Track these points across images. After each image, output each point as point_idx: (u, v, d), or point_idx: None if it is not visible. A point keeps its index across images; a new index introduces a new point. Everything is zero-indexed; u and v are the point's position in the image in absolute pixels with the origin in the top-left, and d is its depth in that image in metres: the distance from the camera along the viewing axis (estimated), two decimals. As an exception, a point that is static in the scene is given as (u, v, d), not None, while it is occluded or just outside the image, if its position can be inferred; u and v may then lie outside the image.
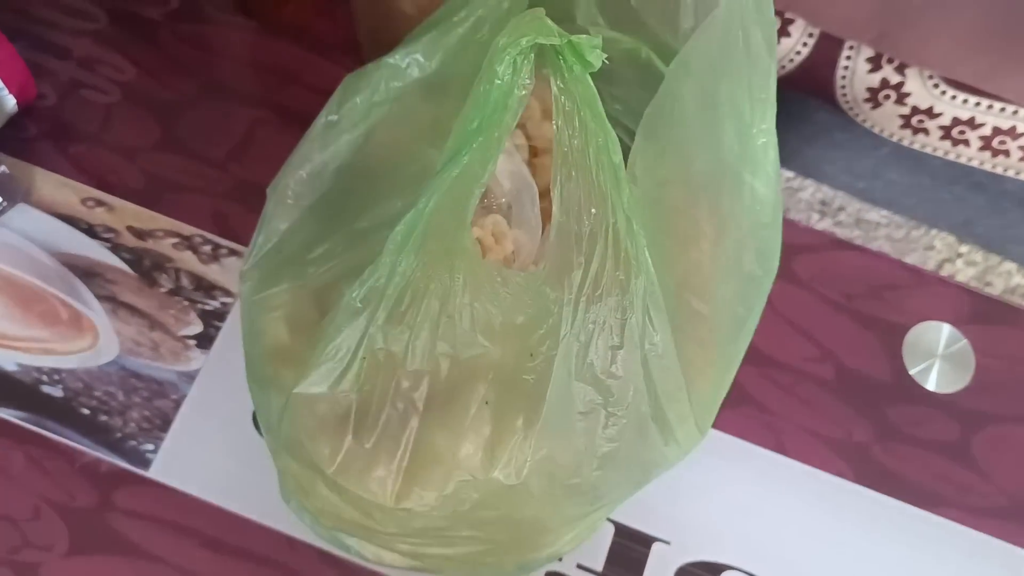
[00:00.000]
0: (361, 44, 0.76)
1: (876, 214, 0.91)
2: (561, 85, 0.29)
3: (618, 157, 0.30)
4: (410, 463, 0.35)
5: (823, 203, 0.91)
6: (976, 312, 0.54)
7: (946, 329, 0.54)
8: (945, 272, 0.88)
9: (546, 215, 0.40)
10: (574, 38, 0.28)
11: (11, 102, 0.53)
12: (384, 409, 0.35)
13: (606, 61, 0.29)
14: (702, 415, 0.37)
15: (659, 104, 0.35)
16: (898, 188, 0.81)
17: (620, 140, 0.45)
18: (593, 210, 0.30)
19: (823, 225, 0.90)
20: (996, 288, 0.89)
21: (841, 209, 0.91)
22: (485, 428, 0.33)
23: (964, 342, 0.53)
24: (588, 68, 0.29)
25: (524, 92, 0.29)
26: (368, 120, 0.39)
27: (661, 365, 0.32)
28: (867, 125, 0.74)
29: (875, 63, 0.70)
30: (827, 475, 0.51)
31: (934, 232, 0.91)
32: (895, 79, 0.70)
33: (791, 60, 0.72)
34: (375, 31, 0.73)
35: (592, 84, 0.29)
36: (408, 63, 0.39)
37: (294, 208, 0.40)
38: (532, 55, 0.29)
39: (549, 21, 0.28)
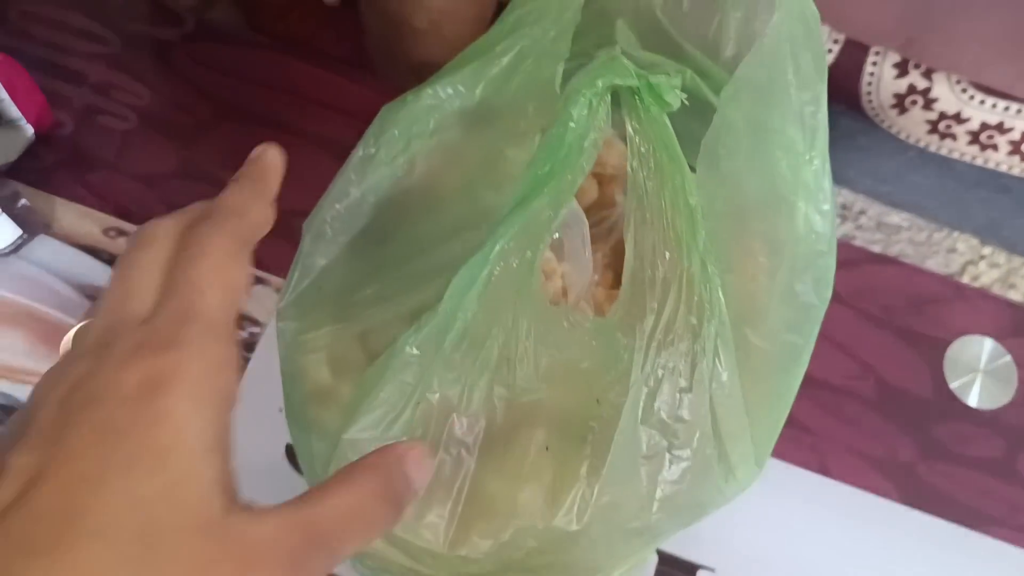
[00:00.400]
0: (373, 59, 0.74)
1: (897, 217, 0.91)
2: (636, 126, 0.28)
3: (695, 199, 0.29)
4: (465, 509, 0.34)
5: (844, 207, 0.90)
6: (1019, 326, 0.53)
7: (988, 344, 0.53)
8: (968, 274, 0.87)
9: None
10: (652, 79, 0.27)
11: (29, 131, 0.52)
12: (436, 454, 0.34)
13: (685, 102, 0.28)
14: (761, 449, 0.36)
15: (714, 135, 0.34)
16: (922, 191, 0.80)
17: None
18: (667, 254, 0.28)
19: (844, 229, 0.89)
20: (1020, 290, 0.88)
21: (862, 213, 0.90)
22: (546, 475, 0.32)
23: (1008, 357, 0.52)
24: (666, 108, 0.28)
25: (599, 135, 0.28)
26: (408, 152, 0.38)
27: (727, 405, 0.31)
28: (893, 131, 0.73)
29: (902, 69, 0.69)
30: (872, 496, 0.50)
31: (956, 235, 0.90)
32: (922, 84, 0.69)
33: (815, 66, 0.70)
34: (387, 46, 0.72)
35: (669, 124, 0.28)
36: (449, 94, 0.38)
37: (332, 244, 0.39)
38: (608, 97, 0.28)
39: (626, 61, 0.27)
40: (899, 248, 0.89)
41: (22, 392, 0.50)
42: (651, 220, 0.29)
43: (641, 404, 0.29)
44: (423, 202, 0.37)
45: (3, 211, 0.49)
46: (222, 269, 0.25)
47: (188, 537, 0.21)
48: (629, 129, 0.29)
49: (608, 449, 0.30)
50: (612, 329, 0.30)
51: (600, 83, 0.27)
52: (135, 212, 0.54)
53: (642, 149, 0.29)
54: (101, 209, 0.54)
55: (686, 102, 0.28)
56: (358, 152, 0.39)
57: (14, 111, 0.50)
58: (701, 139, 0.43)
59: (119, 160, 0.55)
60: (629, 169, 0.29)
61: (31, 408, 0.23)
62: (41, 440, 0.22)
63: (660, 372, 0.29)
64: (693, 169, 0.39)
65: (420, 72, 0.72)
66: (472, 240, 0.30)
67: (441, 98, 0.38)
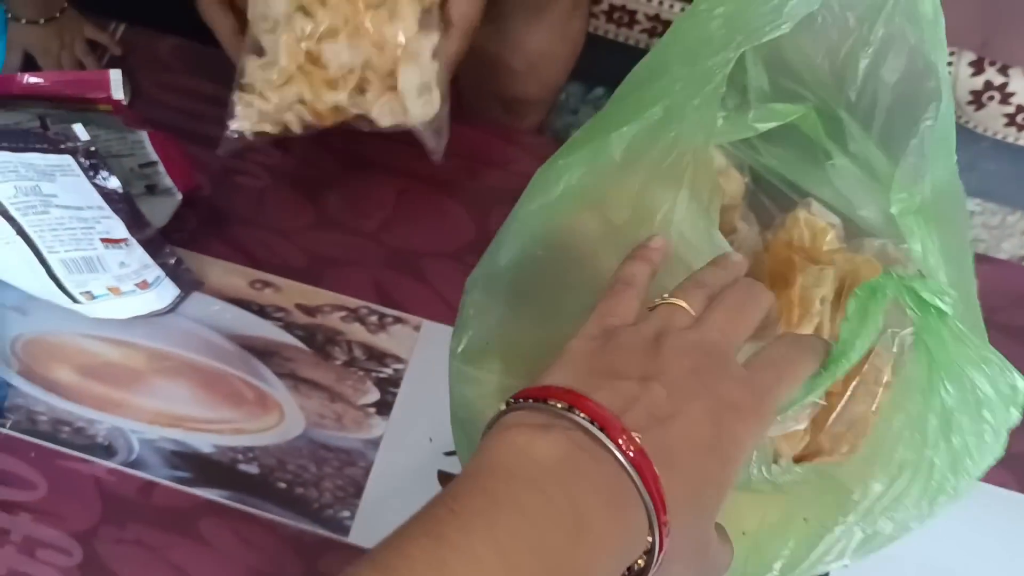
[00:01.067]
0: (463, 97, 0.78)
1: (970, 203, 0.92)
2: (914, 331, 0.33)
3: (951, 399, 0.33)
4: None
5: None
6: (1121, 315, 0.56)
7: (1093, 334, 0.55)
8: (1045, 255, 0.89)
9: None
10: (925, 296, 0.31)
11: (179, 197, 0.56)
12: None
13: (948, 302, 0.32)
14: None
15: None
16: (995, 179, 0.82)
17: (772, 187, 0.48)
18: (917, 435, 0.33)
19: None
20: (1098, 267, 0.90)
21: (935, 201, 0.92)
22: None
23: (1113, 346, 0.55)
24: (942, 315, 0.32)
25: (875, 336, 0.33)
26: (561, 209, 0.41)
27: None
28: (969, 126, 0.75)
29: (977, 67, 0.71)
30: (992, 487, 0.53)
31: (1031, 216, 0.92)
32: (999, 80, 0.71)
33: (891, 70, 0.72)
34: (480, 85, 0.75)
35: (948, 324, 0.33)
36: (595, 155, 0.41)
37: (495, 296, 0.43)
38: (884, 307, 0.32)
39: (899, 276, 0.32)
40: (974, 233, 0.91)
41: (192, 439, 0.55)
42: (909, 409, 0.33)
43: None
44: (578, 257, 0.40)
45: (168, 275, 0.53)
46: (796, 382, 0.34)
47: (713, 514, 0.32)
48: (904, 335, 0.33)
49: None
50: (837, 476, 0.34)
51: (880, 295, 0.32)
52: (279, 265, 0.58)
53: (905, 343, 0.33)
54: (244, 264, 0.58)
55: (947, 303, 0.33)
56: (516, 211, 0.42)
57: (168, 181, 0.55)
58: (804, 168, 0.47)
59: (256, 216, 0.59)
60: (887, 375, 0.34)
61: (657, 347, 0.33)
62: (677, 395, 0.32)
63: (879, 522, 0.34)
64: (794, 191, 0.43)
65: (513, 108, 0.76)
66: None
67: (589, 159, 0.41)
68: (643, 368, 0.32)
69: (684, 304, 0.35)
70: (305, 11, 0.49)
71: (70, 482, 0.54)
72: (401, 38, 0.48)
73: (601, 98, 1.04)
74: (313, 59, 0.49)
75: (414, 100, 0.49)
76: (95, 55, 0.63)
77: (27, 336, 0.57)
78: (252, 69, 0.50)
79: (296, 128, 0.51)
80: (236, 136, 0.50)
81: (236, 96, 0.50)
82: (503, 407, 0.32)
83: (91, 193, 0.46)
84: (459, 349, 0.43)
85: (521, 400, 0.32)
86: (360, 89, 0.49)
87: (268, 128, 0.50)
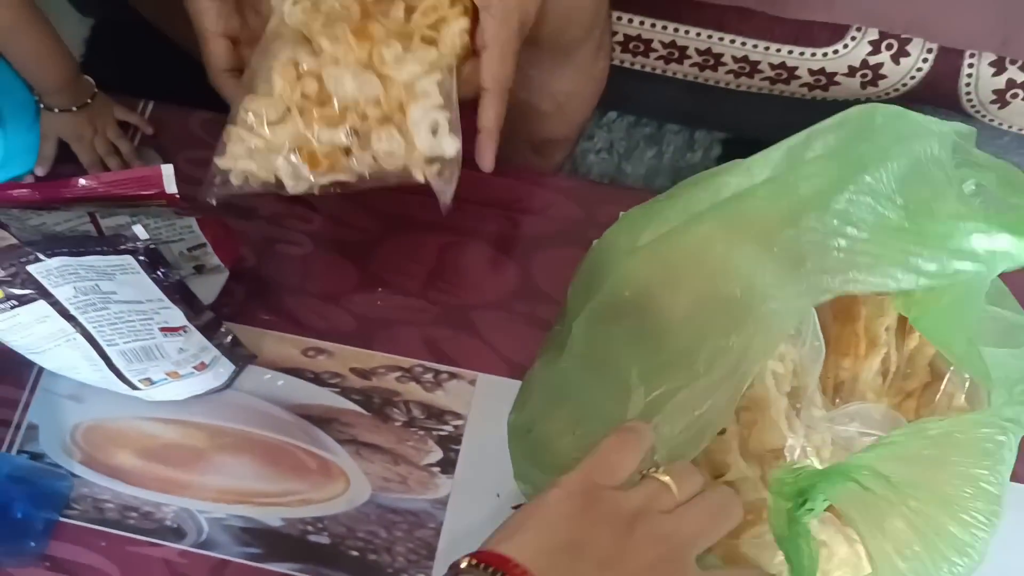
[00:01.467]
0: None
1: (995, 195, 0.93)
2: None
3: None
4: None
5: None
6: None
7: None
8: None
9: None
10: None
11: (226, 273, 0.56)
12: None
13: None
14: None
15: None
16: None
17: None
18: None
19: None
20: None
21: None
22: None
23: None
24: None
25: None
26: (622, 288, 0.42)
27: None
28: (994, 123, 0.75)
29: (999, 67, 0.71)
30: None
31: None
32: (1021, 78, 0.71)
33: (912, 77, 0.73)
34: (508, 131, 0.74)
35: None
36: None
37: (554, 366, 0.43)
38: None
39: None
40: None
41: (260, 513, 0.55)
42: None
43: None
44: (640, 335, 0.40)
45: (224, 355, 0.53)
46: None
47: None
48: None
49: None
50: None
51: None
52: (329, 330, 0.58)
53: None
54: (295, 332, 0.58)
55: None
56: (571, 295, 0.43)
57: (215, 260, 0.55)
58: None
59: (303, 283, 0.60)
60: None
61: (630, 529, 0.34)
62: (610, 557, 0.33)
63: None
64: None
65: (541, 149, 0.76)
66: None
67: (642, 250, 0.41)
68: (608, 551, 0.33)
69: (673, 487, 0.35)
70: (308, 42, 0.45)
71: (143, 568, 0.54)
72: (408, 76, 0.45)
73: (615, 121, 1.04)
74: (312, 97, 0.45)
75: (424, 136, 0.46)
76: (127, 136, 0.63)
77: (86, 424, 0.57)
78: (247, 102, 0.46)
79: (287, 179, 0.46)
80: (220, 179, 0.46)
81: (227, 131, 0.46)
82: (463, 564, 0.34)
83: (150, 287, 0.46)
84: (521, 412, 0.43)
85: (481, 566, 0.33)
86: (362, 134, 0.46)
87: (255, 170, 0.46)
